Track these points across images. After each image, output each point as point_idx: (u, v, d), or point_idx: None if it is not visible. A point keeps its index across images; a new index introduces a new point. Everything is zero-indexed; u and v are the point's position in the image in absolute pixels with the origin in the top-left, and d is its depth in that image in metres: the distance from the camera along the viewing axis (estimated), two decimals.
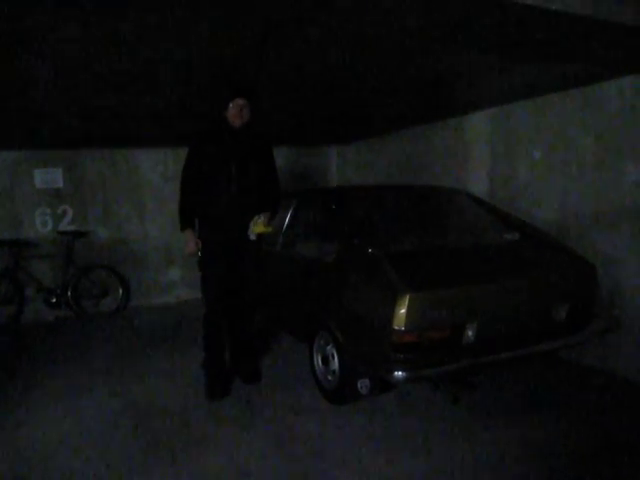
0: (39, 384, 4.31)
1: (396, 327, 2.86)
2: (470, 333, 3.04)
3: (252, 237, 3.79)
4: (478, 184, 5.36)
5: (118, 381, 4.30)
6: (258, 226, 3.74)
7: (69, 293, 6.53)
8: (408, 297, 2.85)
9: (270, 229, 3.85)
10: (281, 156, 7.55)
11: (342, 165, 8.26)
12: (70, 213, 6.75)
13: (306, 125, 6.12)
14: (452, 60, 3.46)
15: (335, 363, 3.59)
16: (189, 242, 3.81)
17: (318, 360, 3.84)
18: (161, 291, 7.35)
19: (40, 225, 6.64)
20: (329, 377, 3.70)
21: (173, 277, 7.39)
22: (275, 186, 4.02)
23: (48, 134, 5.63)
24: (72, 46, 2.92)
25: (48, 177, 6.59)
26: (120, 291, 6.85)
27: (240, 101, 3.69)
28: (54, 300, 6.50)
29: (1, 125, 5.04)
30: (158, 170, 7.14)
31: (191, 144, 3.86)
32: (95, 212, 6.92)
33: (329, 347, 3.66)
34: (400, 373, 2.90)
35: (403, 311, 2.84)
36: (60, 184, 6.66)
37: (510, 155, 5.03)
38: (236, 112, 3.69)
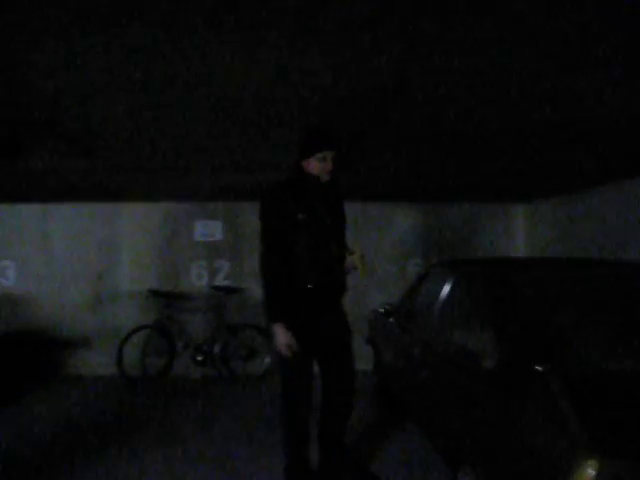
0: (153, 449, 3.92)
1: None
2: None
3: (349, 270, 3.20)
4: None
5: (230, 465, 3.65)
6: (357, 259, 3.12)
7: (217, 351, 6.18)
8: (596, 463, 1.72)
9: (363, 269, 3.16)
10: (450, 214, 6.64)
11: (532, 229, 6.96)
12: (226, 268, 6.53)
13: (480, 176, 5.12)
14: None
15: None
16: (280, 337, 2.93)
17: None
18: None
19: (195, 278, 6.50)
20: None
21: None
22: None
23: (209, 186, 5.48)
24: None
25: (207, 229, 6.47)
26: (268, 355, 6.33)
27: (331, 154, 3.04)
28: (200, 358, 6.20)
29: (160, 179, 4.97)
30: None
31: (267, 202, 3.13)
32: (251, 268, 6.57)
33: None
34: None
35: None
36: (219, 237, 6.49)
37: None
38: (326, 165, 3.03)
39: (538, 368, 2.25)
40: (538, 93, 2.68)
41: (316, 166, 3.04)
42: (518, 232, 7.12)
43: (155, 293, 6.22)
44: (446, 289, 3.70)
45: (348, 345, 3.29)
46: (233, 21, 1.82)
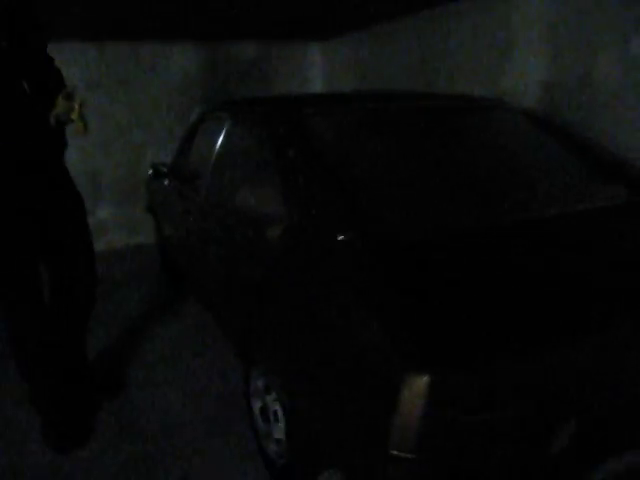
0: None
1: (395, 452, 1.17)
2: (564, 439, 1.34)
3: (52, 121, 2.08)
4: (528, 94, 3.49)
5: None
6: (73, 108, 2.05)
7: None
8: (426, 381, 1.13)
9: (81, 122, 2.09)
10: (237, 55, 5.69)
11: (328, 67, 6.09)
12: None
13: (271, 11, 4.12)
14: None
15: (280, 429, 1.93)
16: None
17: (256, 408, 2.18)
18: None
19: None
20: (272, 446, 2.06)
21: (102, 216, 5.61)
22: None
23: None
24: None
25: None
26: None
27: None
28: None
29: None
30: (85, 75, 5.22)
31: None
32: None
33: (270, 398, 2.00)
34: None
35: (415, 414, 1.13)
36: None
37: (585, 47, 3.13)
38: None
39: (341, 237, 1.57)
40: None
41: None
42: (315, 75, 6.25)
43: None
44: (225, 138, 2.82)
45: (82, 223, 2.38)
46: None
